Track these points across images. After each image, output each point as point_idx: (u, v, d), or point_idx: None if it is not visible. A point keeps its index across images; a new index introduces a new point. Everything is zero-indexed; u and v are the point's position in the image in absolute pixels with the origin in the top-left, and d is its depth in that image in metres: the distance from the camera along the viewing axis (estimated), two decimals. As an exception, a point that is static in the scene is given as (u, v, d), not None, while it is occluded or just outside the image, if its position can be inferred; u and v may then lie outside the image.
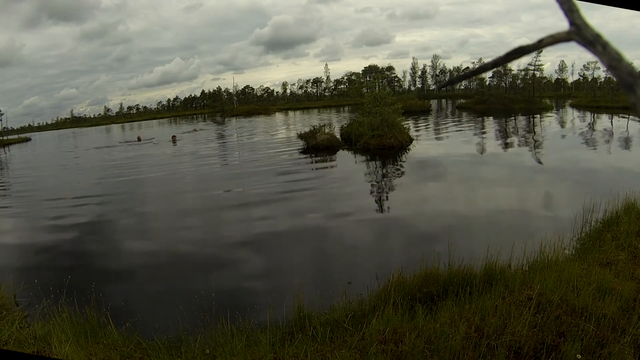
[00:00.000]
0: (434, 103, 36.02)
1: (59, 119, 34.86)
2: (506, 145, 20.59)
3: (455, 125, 27.58)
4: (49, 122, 34.35)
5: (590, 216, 8.60)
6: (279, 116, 36.59)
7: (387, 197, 13.13)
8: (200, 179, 16.74)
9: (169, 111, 37.47)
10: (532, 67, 30.93)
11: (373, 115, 20.10)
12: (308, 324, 5.35)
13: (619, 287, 5.58)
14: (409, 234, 9.74)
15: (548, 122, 27.01)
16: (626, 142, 19.30)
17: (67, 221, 11.84)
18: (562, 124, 26.98)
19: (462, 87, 35.26)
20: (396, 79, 36.77)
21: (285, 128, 31.30)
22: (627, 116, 24.22)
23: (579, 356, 4.50)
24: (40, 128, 33.81)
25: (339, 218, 10.85)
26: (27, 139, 32.58)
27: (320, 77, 37.36)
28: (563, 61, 33.82)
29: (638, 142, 19.46)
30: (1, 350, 4.46)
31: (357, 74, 36.54)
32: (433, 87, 36.34)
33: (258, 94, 38.59)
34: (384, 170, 16.70)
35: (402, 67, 37.73)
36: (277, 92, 38.57)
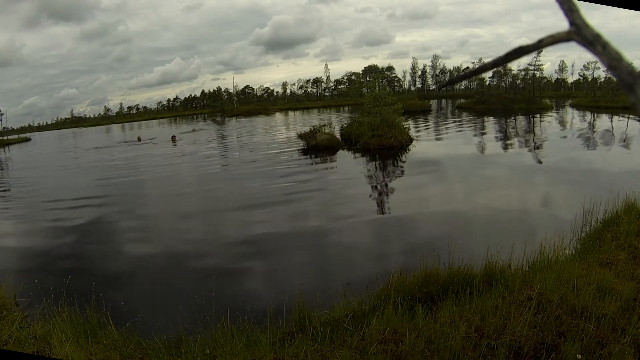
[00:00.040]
0: (434, 103, 36.02)
1: (59, 119, 34.86)
2: (506, 146, 20.59)
3: (455, 125, 27.58)
4: (49, 122, 34.35)
5: (590, 216, 8.60)
6: (279, 116, 36.60)
7: (387, 197, 13.13)
8: (200, 180, 16.73)
9: (169, 111, 37.47)
10: (532, 67, 30.94)
11: (373, 115, 20.10)
12: (308, 323, 5.35)
13: (619, 287, 5.58)
14: (410, 234, 9.74)
15: (548, 122, 27.02)
16: (626, 142, 19.31)
17: (66, 222, 11.83)
18: (562, 124, 26.98)
19: (462, 87, 35.27)
20: (396, 79, 36.78)
21: (285, 128, 31.32)
22: (627, 116, 24.22)
23: (579, 356, 4.49)
24: (40, 128, 33.81)
25: (340, 220, 10.85)
26: (27, 139, 32.59)
27: (320, 77, 37.38)
28: (563, 61, 33.84)
29: (638, 142, 19.47)
30: (1, 350, 4.46)
31: (357, 74, 36.55)
32: (433, 87, 36.35)
33: (258, 94, 38.59)
34: (384, 171, 16.71)
35: (402, 67, 37.74)
36: (277, 92, 38.59)
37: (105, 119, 35.91)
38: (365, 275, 6.83)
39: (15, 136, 32.28)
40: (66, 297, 5.66)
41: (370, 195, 13.31)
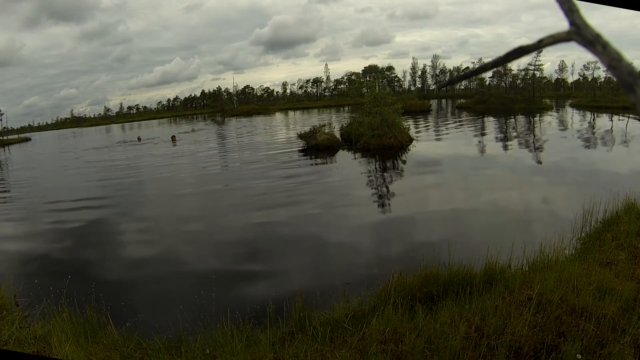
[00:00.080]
0: (434, 103, 36.06)
1: (59, 119, 34.92)
2: (506, 146, 20.60)
3: (455, 125, 27.59)
4: (49, 122, 34.42)
5: (590, 216, 8.60)
6: (279, 116, 36.61)
7: (388, 198, 13.12)
8: (200, 180, 16.72)
9: (169, 111, 37.51)
10: (532, 67, 31.01)
11: (373, 115, 20.12)
12: (308, 323, 5.35)
13: (619, 287, 5.58)
14: (410, 234, 9.74)
15: (548, 122, 27.02)
16: (626, 142, 19.32)
17: (66, 224, 11.82)
18: (562, 124, 26.99)
19: (462, 87, 35.32)
20: (396, 78, 36.82)
21: (285, 128, 31.31)
22: (627, 116, 24.23)
23: (579, 356, 4.49)
24: (40, 128, 33.85)
25: (340, 220, 10.85)
26: (27, 139, 32.63)
27: (320, 77, 37.43)
28: (563, 61, 33.90)
29: (638, 141, 19.48)
30: (1, 350, 4.46)
31: (357, 74, 36.60)
32: (433, 87, 36.40)
33: (258, 94, 38.64)
34: (385, 171, 16.71)
35: (402, 67, 37.84)
36: (277, 92, 38.64)
37: (105, 119, 35.94)
38: (365, 275, 6.83)
39: (15, 136, 32.34)
40: (66, 297, 5.66)
41: (371, 196, 13.31)
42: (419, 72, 36.73)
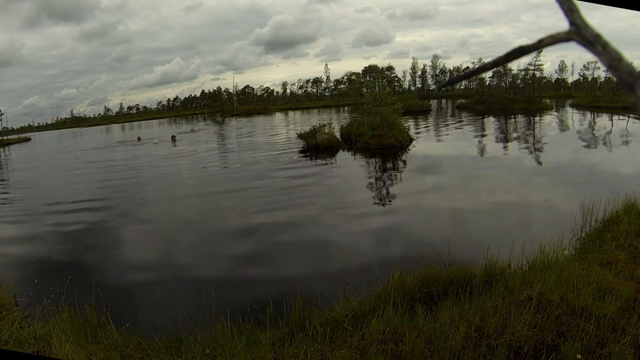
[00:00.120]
0: (434, 103, 36.04)
1: (59, 119, 34.89)
2: (506, 146, 20.59)
3: (455, 125, 27.58)
4: (49, 122, 34.39)
5: (590, 216, 8.60)
6: (279, 116, 36.60)
7: (388, 198, 13.12)
8: (200, 181, 16.72)
9: (169, 111, 37.48)
10: (532, 67, 30.98)
11: (373, 115, 20.11)
12: (308, 323, 5.35)
13: (619, 287, 5.58)
14: (410, 234, 9.74)
15: (548, 122, 27.01)
16: (626, 142, 19.32)
17: (66, 225, 11.82)
18: (562, 124, 26.98)
19: (462, 87, 35.31)
20: (396, 79, 36.79)
21: (286, 128, 31.30)
22: (627, 116, 24.23)
23: (579, 356, 4.50)
24: (40, 128, 33.83)
25: (340, 220, 10.85)
26: (27, 139, 32.60)
27: (320, 77, 37.39)
28: (563, 61, 33.87)
29: (638, 142, 19.47)
30: (1, 350, 4.46)
31: (357, 74, 36.57)
32: (433, 87, 36.38)
33: (258, 94, 38.61)
34: (385, 171, 16.71)
35: (402, 67, 37.78)
36: (277, 92, 38.60)
37: (105, 119, 35.92)
38: (365, 275, 6.83)
39: (15, 136, 32.31)
40: (66, 298, 5.66)
41: (371, 196, 13.31)
42: (419, 72, 36.71)
